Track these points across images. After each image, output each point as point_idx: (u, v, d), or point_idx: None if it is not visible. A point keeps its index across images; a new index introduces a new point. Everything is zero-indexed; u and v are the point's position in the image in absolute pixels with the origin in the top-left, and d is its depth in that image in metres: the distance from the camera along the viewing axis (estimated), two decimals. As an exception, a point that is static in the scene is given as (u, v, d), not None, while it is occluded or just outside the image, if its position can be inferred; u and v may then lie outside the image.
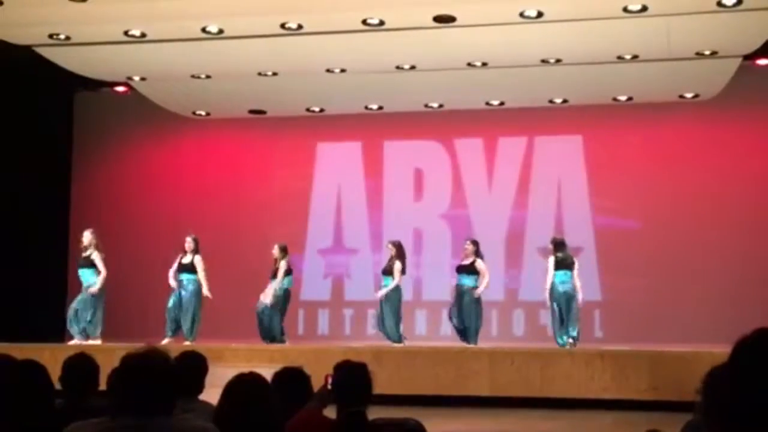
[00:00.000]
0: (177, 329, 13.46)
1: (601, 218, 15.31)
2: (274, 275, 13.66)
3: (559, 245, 13.32)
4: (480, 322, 13.23)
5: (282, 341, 13.55)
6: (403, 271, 13.38)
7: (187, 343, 12.96)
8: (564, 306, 13.06)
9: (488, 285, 13.26)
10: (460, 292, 13.22)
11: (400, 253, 13.44)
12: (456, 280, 13.41)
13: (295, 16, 11.83)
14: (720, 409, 1.64)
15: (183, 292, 13.45)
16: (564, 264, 13.14)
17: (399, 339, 13.26)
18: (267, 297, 13.52)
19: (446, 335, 14.29)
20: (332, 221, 16.24)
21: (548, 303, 13.14)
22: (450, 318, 13.44)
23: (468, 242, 13.46)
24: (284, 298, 13.76)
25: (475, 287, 13.16)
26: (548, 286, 13.07)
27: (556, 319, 13.10)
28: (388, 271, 13.43)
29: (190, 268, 13.50)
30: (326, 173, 16.32)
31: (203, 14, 11.84)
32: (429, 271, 15.19)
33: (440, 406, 11.18)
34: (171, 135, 16.69)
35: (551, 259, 13.20)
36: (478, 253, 13.28)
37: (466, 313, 13.12)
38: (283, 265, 13.64)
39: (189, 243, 13.55)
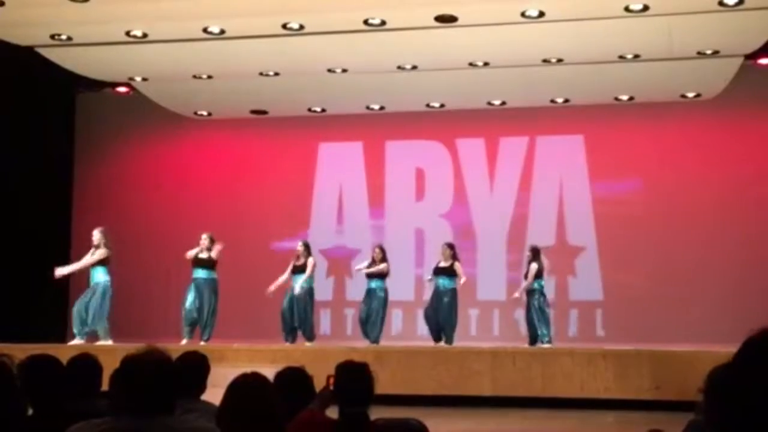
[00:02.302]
0: (195, 330, 13.44)
1: (603, 218, 15.31)
2: (300, 271, 13.62)
3: (538, 253, 13.71)
4: (456, 322, 13.61)
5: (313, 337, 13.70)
6: (387, 274, 13.88)
7: (201, 343, 12.95)
8: (546, 309, 13.52)
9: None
10: (438, 293, 13.60)
11: (385, 256, 13.86)
12: (433, 281, 13.78)
13: (297, 16, 11.83)
14: (723, 409, 1.63)
15: (201, 291, 13.43)
16: (542, 273, 13.64)
17: (378, 339, 13.57)
18: (298, 289, 13.59)
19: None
20: (334, 221, 16.25)
21: (528, 308, 13.51)
22: (426, 319, 13.71)
23: (445, 245, 13.82)
24: (312, 295, 13.79)
25: (454, 288, 13.58)
26: (523, 289, 13.56)
27: (542, 322, 13.39)
28: (376, 274, 13.79)
29: (207, 264, 13.49)
30: (328, 173, 16.32)
31: (205, 14, 11.85)
32: (430, 271, 15.18)
33: (442, 406, 11.18)
34: (173, 135, 16.70)
35: (535, 267, 13.52)
36: (455, 256, 13.70)
37: (446, 314, 13.48)
38: (311, 262, 13.71)
39: (204, 240, 13.51)
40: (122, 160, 16.77)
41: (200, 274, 13.46)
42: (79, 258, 13.78)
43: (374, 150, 16.19)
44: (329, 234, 16.16)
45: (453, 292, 13.58)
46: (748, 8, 11.15)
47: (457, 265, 13.63)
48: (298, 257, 13.75)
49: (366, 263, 13.99)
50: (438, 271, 13.71)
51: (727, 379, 1.65)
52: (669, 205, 15.01)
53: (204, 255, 13.47)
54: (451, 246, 13.78)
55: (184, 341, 13.09)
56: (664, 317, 14.57)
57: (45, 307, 15.14)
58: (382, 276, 13.80)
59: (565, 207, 15.53)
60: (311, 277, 13.73)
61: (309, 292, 13.68)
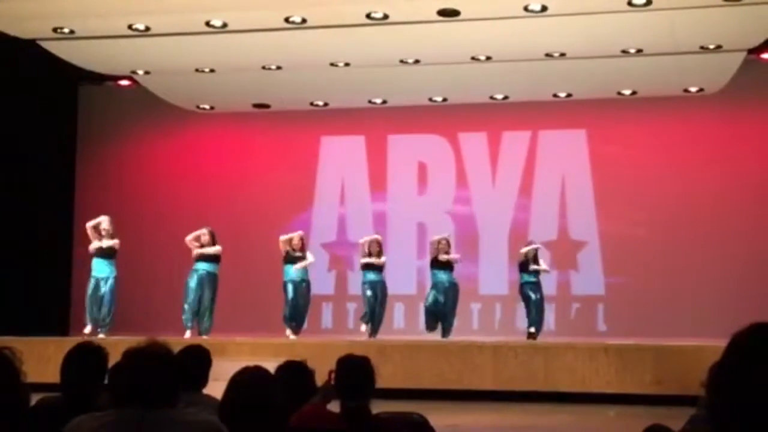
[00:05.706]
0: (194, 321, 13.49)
1: (605, 212, 15.30)
2: (294, 261, 13.63)
3: None
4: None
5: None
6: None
7: (204, 337, 12.95)
8: None
9: None
10: (444, 288, 13.57)
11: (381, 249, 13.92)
12: (431, 276, 13.78)
13: (299, 9, 11.84)
14: (721, 405, 1.64)
15: (202, 284, 13.46)
16: None
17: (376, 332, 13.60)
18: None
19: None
20: (336, 215, 16.25)
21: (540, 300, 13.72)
22: (427, 312, 13.72)
23: (444, 239, 13.81)
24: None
25: (454, 282, 13.60)
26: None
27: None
28: (377, 266, 13.70)
29: (211, 258, 13.51)
30: (330, 167, 16.32)
31: (207, 8, 11.85)
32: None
33: (444, 399, 11.19)
34: (175, 129, 16.70)
35: (544, 264, 13.81)
36: (448, 250, 13.76)
37: (450, 307, 13.54)
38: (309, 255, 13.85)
39: (205, 235, 13.55)
40: (124, 153, 16.76)
41: (205, 267, 13.51)
42: (86, 246, 13.80)
43: (376, 144, 16.18)
44: (331, 228, 16.15)
45: (456, 286, 13.62)
46: (751, 2, 11.15)
47: (453, 257, 13.77)
48: (294, 248, 13.75)
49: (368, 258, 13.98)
50: (438, 265, 13.66)
51: (715, 378, 1.66)
52: (671, 200, 14.99)
53: (211, 250, 13.50)
54: (447, 241, 13.84)
55: (188, 334, 13.09)
56: (665, 312, 14.57)
57: (47, 299, 15.16)
58: (380, 268, 13.78)
59: (567, 201, 15.52)
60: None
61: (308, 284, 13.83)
